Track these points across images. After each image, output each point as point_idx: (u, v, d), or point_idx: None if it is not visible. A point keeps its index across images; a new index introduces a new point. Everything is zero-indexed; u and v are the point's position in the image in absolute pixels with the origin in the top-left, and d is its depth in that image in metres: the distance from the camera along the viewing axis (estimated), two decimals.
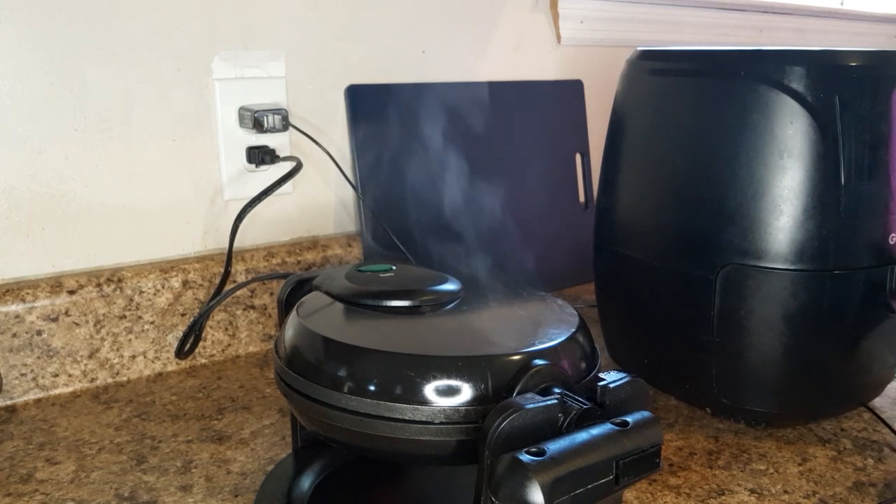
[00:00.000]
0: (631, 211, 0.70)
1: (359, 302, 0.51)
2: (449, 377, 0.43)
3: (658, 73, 0.67)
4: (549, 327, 0.49)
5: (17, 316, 0.69)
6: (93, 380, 0.74)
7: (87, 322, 0.73)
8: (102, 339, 0.74)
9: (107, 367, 0.74)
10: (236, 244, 0.80)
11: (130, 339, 0.75)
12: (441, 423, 0.43)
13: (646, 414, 0.40)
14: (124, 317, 0.75)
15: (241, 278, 0.81)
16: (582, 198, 1.06)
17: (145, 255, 0.79)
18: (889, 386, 0.68)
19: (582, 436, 0.38)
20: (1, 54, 0.69)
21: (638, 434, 0.39)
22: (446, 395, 0.43)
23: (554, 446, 0.37)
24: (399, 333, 0.49)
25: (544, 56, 1.08)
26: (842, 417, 0.68)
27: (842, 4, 1.58)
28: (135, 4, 0.74)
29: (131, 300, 0.75)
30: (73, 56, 0.72)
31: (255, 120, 0.79)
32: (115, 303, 0.74)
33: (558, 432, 0.39)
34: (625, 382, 0.42)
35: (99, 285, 0.73)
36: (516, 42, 1.04)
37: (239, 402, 0.71)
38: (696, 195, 0.63)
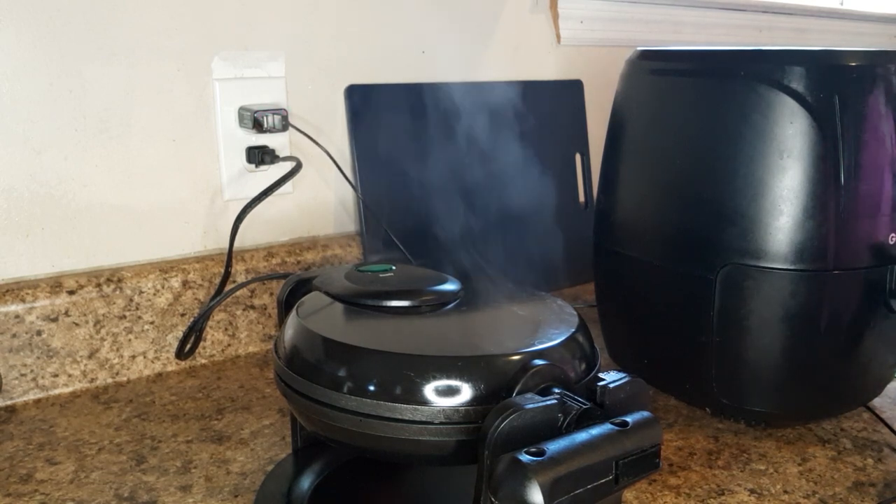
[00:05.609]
0: (631, 211, 0.70)
1: (358, 302, 0.51)
2: (448, 377, 0.43)
3: (658, 73, 0.67)
4: (549, 327, 0.49)
5: (17, 316, 0.69)
6: (93, 380, 0.74)
7: (86, 322, 0.73)
8: (102, 340, 0.74)
9: (106, 367, 0.74)
10: (236, 244, 0.80)
11: (130, 340, 0.75)
12: (441, 424, 0.43)
13: (645, 414, 0.40)
14: (124, 317, 0.75)
15: (241, 278, 0.81)
16: (582, 198, 1.06)
17: (145, 256, 0.79)
18: (889, 386, 0.68)
19: (581, 436, 0.38)
20: (1, 54, 0.69)
21: (637, 434, 0.39)
22: (446, 396, 0.43)
23: (553, 446, 0.37)
24: (399, 333, 0.49)
25: (544, 56, 1.08)
26: (842, 417, 0.68)
27: (842, 4, 1.58)
28: (135, 4, 0.74)
29: (131, 300, 0.75)
30: (73, 56, 0.72)
31: (254, 120, 0.79)
32: (114, 303, 0.74)
33: (558, 432, 0.39)
34: (624, 382, 0.42)
35: (99, 285, 0.73)
36: (516, 42, 1.04)
37: (239, 403, 0.71)
38: (696, 195, 0.63)
